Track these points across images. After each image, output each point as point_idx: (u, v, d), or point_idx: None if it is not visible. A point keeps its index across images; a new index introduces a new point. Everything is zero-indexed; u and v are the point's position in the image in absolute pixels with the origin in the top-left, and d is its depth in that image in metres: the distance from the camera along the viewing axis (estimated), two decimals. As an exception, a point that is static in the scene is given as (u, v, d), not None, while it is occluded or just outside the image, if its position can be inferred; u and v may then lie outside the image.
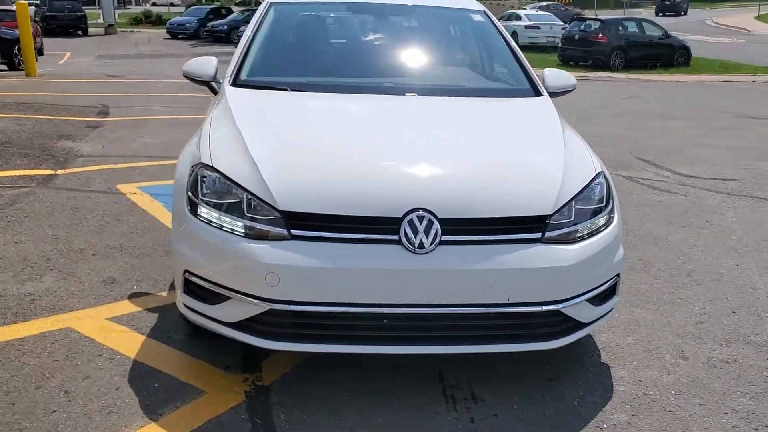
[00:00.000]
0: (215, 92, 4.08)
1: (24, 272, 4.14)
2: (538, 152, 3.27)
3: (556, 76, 4.11)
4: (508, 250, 2.74)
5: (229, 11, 36.41)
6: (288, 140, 3.12)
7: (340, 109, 3.66)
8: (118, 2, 56.82)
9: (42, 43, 22.53)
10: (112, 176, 6.33)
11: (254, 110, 3.49)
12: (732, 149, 8.81)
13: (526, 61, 4.18)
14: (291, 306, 2.68)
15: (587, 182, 3.02)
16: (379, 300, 2.68)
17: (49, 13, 33.25)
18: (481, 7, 4.72)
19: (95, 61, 21.49)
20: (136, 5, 69.11)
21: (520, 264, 2.73)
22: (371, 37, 4.52)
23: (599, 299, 3.00)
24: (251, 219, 2.75)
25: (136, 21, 43.35)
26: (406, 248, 2.66)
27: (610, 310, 3.13)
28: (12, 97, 11.15)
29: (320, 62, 4.22)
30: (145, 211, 5.32)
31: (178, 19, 36.39)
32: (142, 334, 3.44)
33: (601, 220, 2.99)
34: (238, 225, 2.76)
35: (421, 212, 2.68)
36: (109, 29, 35.36)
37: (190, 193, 2.94)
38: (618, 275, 3.10)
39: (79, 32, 33.99)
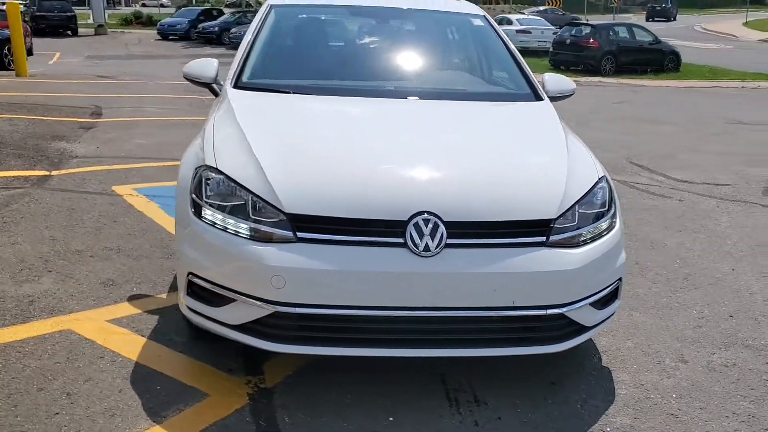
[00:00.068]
0: (216, 94, 4.07)
1: (22, 273, 4.11)
2: (542, 156, 3.28)
3: (555, 80, 4.14)
4: (513, 253, 2.75)
5: (221, 13, 36.35)
6: (292, 143, 3.12)
7: (343, 112, 3.65)
8: (108, 3, 56.49)
9: (32, 43, 22.34)
10: (107, 177, 6.29)
11: (257, 112, 3.48)
12: (723, 154, 8.88)
13: (526, 66, 4.19)
14: (296, 308, 2.67)
15: (590, 186, 3.03)
16: (385, 303, 2.69)
17: (38, 13, 32.97)
18: (481, 11, 4.73)
19: (85, 62, 21.35)
20: (126, 6, 68.80)
21: (525, 267, 2.74)
22: (373, 40, 4.53)
23: (602, 303, 3.02)
24: (256, 221, 2.74)
25: (127, 22, 43.10)
26: (412, 251, 2.67)
27: (612, 314, 3.16)
28: (3, 98, 11.07)
29: (322, 65, 4.21)
30: (142, 212, 5.29)
31: (168, 20, 36.19)
32: (142, 336, 3.43)
33: (603, 224, 3.01)
34: (243, 227, 2.75)
35: (426, 215, 2.69)
36: (99, 30, 35.11)
37: (194, 195, 2.93)
38: (620, 279, 3.12)
39: (69, 32, 33.75)
